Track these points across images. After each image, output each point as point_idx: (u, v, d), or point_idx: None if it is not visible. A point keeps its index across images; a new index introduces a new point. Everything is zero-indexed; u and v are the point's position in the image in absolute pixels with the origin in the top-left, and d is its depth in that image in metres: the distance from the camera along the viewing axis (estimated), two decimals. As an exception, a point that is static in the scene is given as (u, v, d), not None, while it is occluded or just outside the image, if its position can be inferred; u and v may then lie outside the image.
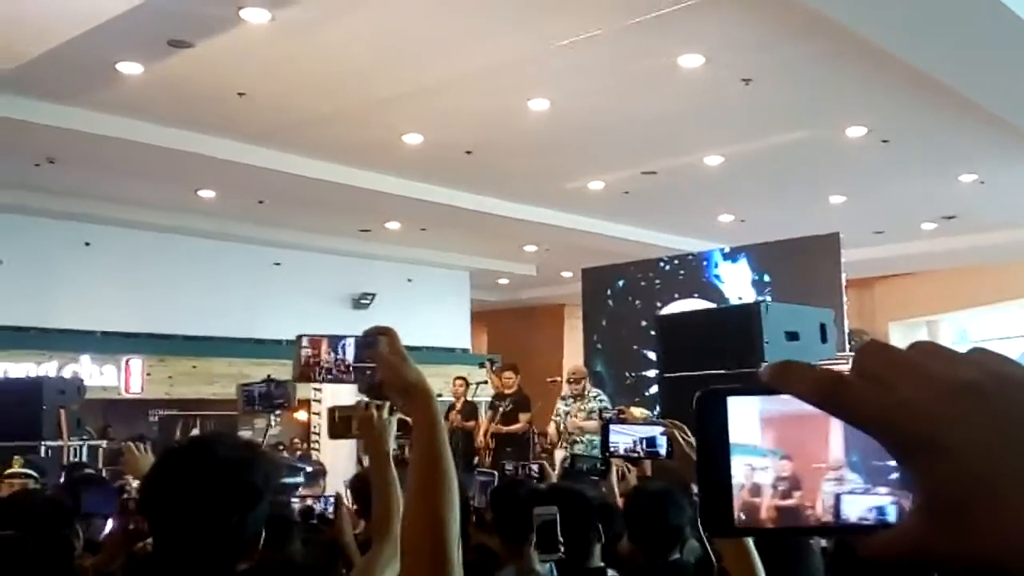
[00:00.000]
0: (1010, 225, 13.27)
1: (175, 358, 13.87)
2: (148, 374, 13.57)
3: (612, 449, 2.24)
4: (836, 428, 0.52)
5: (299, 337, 1.62)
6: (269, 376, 6.78)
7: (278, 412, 7.19)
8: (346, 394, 6.32)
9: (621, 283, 12.11)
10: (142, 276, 13.44)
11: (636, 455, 2.19)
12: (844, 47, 7.14)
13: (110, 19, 6.53)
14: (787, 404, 0.51)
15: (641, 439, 2.18)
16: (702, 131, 9.54)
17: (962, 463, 0.44)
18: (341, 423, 2.20)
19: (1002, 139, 9.33)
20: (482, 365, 11.81)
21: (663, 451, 2.16)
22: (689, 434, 2.21)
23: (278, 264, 14.92)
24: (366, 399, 1.83)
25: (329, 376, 1.62)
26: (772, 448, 0.54)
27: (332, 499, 3.01)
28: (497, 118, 9.09)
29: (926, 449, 0.45)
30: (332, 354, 1.60)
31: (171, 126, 9.15)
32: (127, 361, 13.37)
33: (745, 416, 0.54)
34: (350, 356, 1.61)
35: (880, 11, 6.31)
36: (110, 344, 13.31)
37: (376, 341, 1.54)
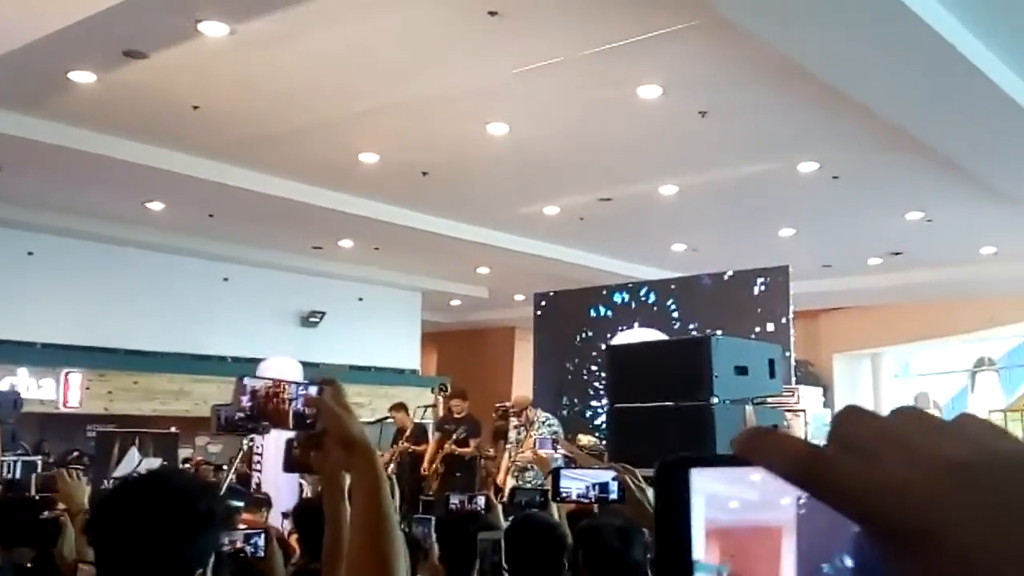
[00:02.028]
0: (954, 263, 13.57)
1: (116, 373, 13.58)
2: (87, 388, 13.26)
3: (564, 495, 2.22)
4: (788, 546, 0.47)
5: (240, 378, 1.57)
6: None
7: (251, 436, 7.04)
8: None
9: (572, 309, 12.12)
10: (85, 288, 13.16)
11: (588, 500, 2.17)
12: (798, 84, 7.26)
13: (64, 27, 6.40)
14: (735, 514, 0.47)
15: (593, 484, 2.16)
16: (658, 161, 9.62)
17: (957, 554, 0.40)
18: (298, 455, 2.15)
19: (948, 178, 9.54)
20: (434, 390, 11.75)
21: (615, 496, 2.14)
22: (640, 478, 2.19)
23: (226, 279, 14.71)
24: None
25: (268, 423, 1.57)
26: (716, 564, 0.48)
27: (262, 536, 2.93)
28: (455, 140, 9.08)
29: (917, 537, 0.40)
30: (275, 399, 1.55)
31: (122, 137, 8.99)
32: (66, 375, 13.06)
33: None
34: (292, 403, 1.57)
35: (832, 51, 6.43)
36: (49, 357, 12.98)
37: (321, 391, 1.50)
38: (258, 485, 8.65)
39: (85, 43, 6.82)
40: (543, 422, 8.90)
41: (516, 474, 8.71)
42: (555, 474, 2.32)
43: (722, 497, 0.48)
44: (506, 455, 9.10)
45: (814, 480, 0.42)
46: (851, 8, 5.75)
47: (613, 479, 2.17)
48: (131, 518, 1.64)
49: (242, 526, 5.31)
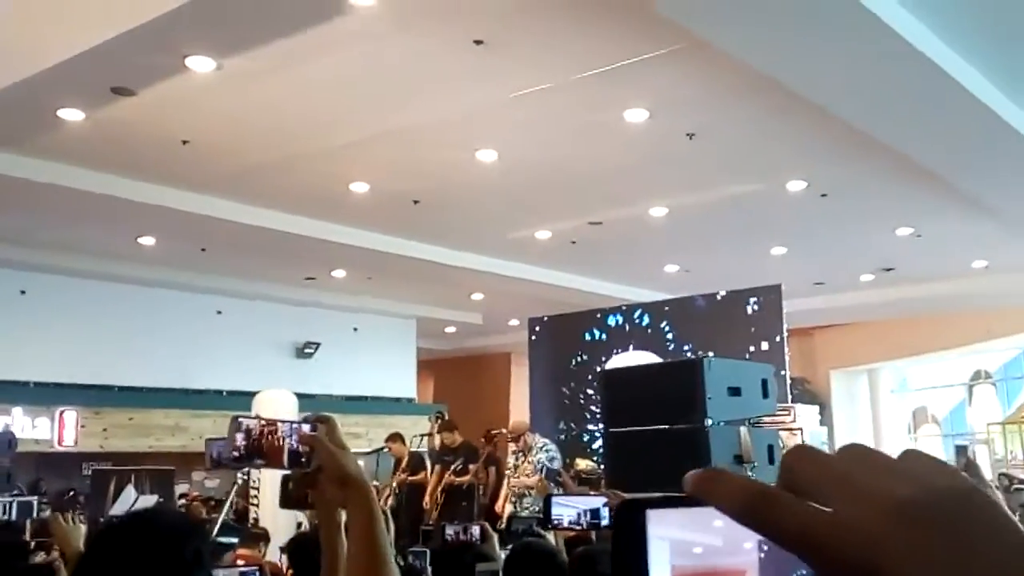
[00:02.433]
0: (945, 277, 13.60)
1: (111, 410, 13.52)
2: (82, 426, 13.20)
3: (556, 522, 2.21)
4: None
5: (234, 418, 1.57)
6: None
7: (246, 471, 6.97)
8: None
9: (566, 333, 12.11)
10: (78, 325, 13.13)
11: (580, 527, 2.17)
12: (784, 104, 7.31)
13: (52, 65, 6.43)
14: (700, 559, 0.47)
15: (585, 511, 2.15)
16: (647, 183, 9.66)
17: None
18: (294, 492, 2.15)
19: (937, 194, 9.58)
20: (431, 419, 11.72)
21: (606, 522, 2.14)
22: None
23: (220, 312, 14.69)
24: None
25: (263, 462, 1.57)
26: None
27: (257, 573, 2.91)
28: (445, 168, 9.11)
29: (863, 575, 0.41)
30: (270, 438, 1.55)
31: (112, 173, 9.02)
32: (61, 413, 13.00)
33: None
34: (287, 441, 1.57)
35: (819, 72, 6.49)
36: (43, 395, 12.93)
37: (315, 428, 1.50)
38: (256, 520, 8.59)
39: (73, 81, 6.85)
40: (540, 447, 8.89)
41: (514, 500, 8.68)
42: (547, 501, 2.31)
43: (687, 543, 0.48)
44: (505, 482, 9.06)
45: (763, 519, 0.43)
46: (833, 27, 5.80)
47: (604, 505, 2.17)
48: (118, 565, 1.62)
49: (240, 562, 5.27)
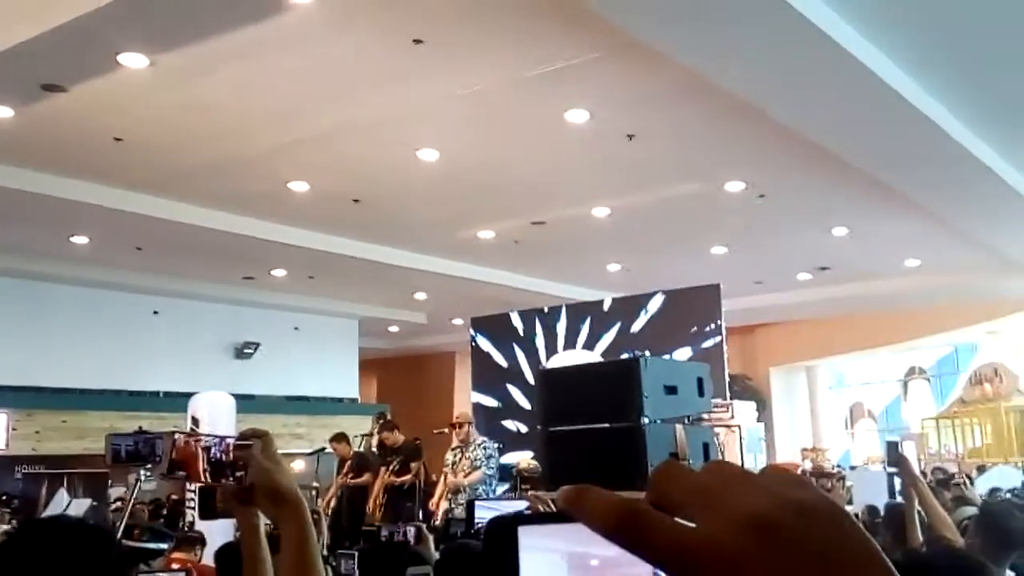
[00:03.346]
0: (879, 275, 13.90)
1: (43, 412, 13.19)
2: (14, 429, 12.86)
3: (479, 525, 2.22)
4: None
5: (169, 433, 1.55)
6: (140, 428, 6.41)
7: (148, 467, 6.83)
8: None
9: (508, 333, 12.13)
10: (10, 326, 12.79)
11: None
12: (723, 106, 7.40)
13: (-23, 60, 6.26)
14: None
15: (508, 514, 2.16)
16: (589, 184, 9.72)
17: None
18: (210, 503, 2.11)
19: (871, 195, 9.78)
20: (375, 419, 11.64)
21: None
22: (554, 508, 2.20)
23: (156, 313, 14.42)
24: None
25: (197, 477, 1.54)
26: None
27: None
28: (386, 167, 9.06)
29: None
30: (205, 453, 1.53)
31: (43, 171, 8.81)
32: (-8, 415, 12.65)
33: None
34: (207, 453, 1.55)
35: (753, 74, 6.58)
36: (-27, 397, 12.58)
37: (250, 444, 1.48)
38: (191, 523, 8.45)
39: (2, 77, 6.69)
40: (479, 444, 8.86)
41: (450, 496, 8.64)
42: (470, 505, 2.31)
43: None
44: (442, 479, 9.00)
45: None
46: (765, 29, 5.88)
47: (526, 509, 2.18)
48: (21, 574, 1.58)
49: (174, 565, 5.18)
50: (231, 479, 1.51)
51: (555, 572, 0.50)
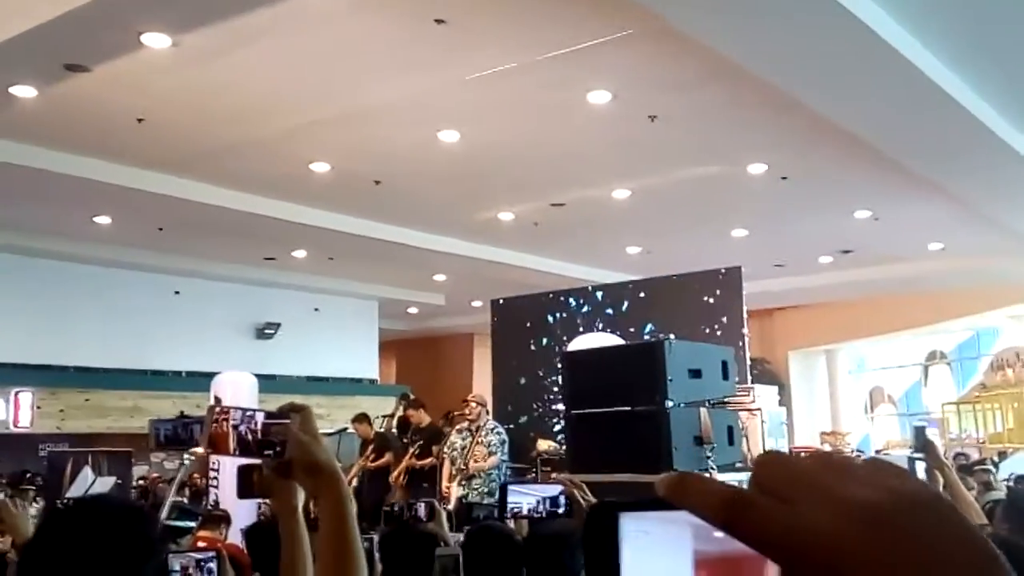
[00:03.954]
0: (902, 259, 13.79)
1: (67, 391, 13.34)
2: (38, 407, 13.01)
3: (514, 510, 2.22)
4: (773, 572, 0.48)
5: (211, 407, 1.55)
6: (182, 413, 6.50)
7: (191, 452, 6.89)
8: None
9: (527, 315, 12.11)
10: (34, 305, 12.91)
11: (539, 515, 2.17)
12: (746, 88, 7.34)
13: (4, 41, 6.27)
14: (723, 544, 0.47)
15: (544, 498, 2.16)
16: (610, 165, 9.67)
17: None
18: (249, 481, 2.12)
19: (894, 178, 9.69)
20: (399, 400, 11.67)
21: (563, 509, 2.15)
22: (588, 492, 2.20)
23: (178, 293, 14.51)
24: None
25: (237, 451, 1.54)
26: None
27: (215, 559, 2.88)
28: (407, 148, 9.04)
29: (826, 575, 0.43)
30: (242, 426, 1.53)
31: (66, 151, 8.84)
32: (16, 394, 12.80)
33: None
34: (236, 430, 1.54)
35: (780, 56, 6.51)
36: (-1, 376, 12.72)
37: (288, 417, 1.48)
38: (216, 502, 8.52)
39: (25, 57, 6.69)
40: (492, 429, 8.79)
41: (463, 483, 8.59)
42: (503, 489, 2.31)
43: (707, 528, 0.49)
44: (447, 462, 8.92)
45: (735, 523, 0.45)
46: (795, 12, 5.82)
47: (561, 493, 2.18)
48: (64, 553, 1.58)
49: (201, 544, 5.22)
50: (268, 454, 1.51)
51: (657, 559, 0.50)
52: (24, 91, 7.39)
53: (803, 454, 0.48)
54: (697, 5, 5.76)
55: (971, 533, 0.44)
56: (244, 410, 1.54)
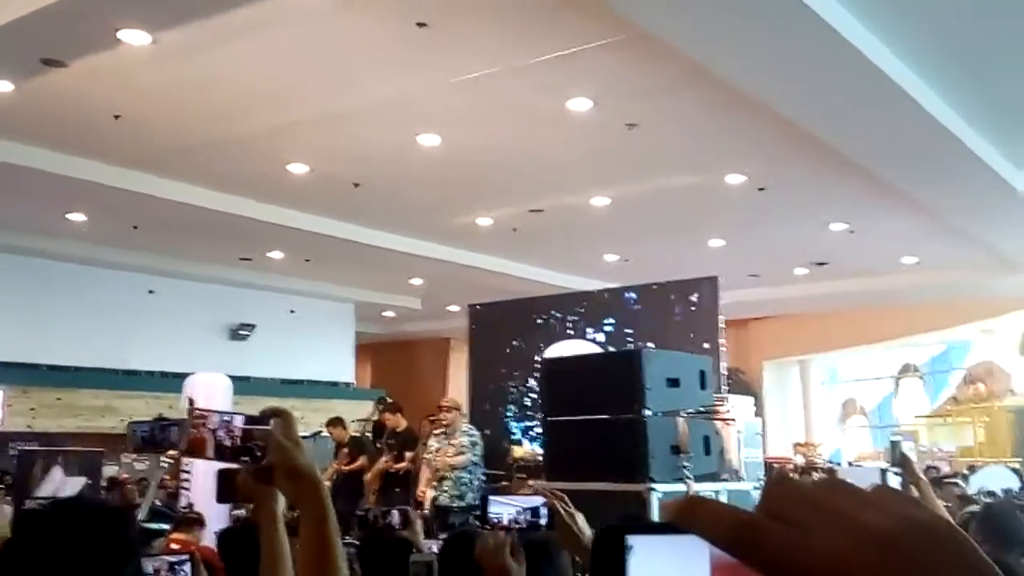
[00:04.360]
0: (877, 272, 13.91)
1: (39, 389, 13.17)
2: (9, 405, 12.84)
3: (495, 520, 2.20)
4: None
5: (190, 409, 1.53)
6: (160, 415, 6.43)
7: (169, 454, 6.81)
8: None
9: (506, 321, 12.10)
10: (5, 302, 12.74)
11: (518, 526, 2.16)
12: (725, 98, 7.37)
13: (-22, 34, 6.19)
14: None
15: (524, 509, 2.15)
16: (589, 173, 9.69)
17: None
18: (229, 486, 2.09)
19: (871, 191, 9.77)
20: (376, 404, 11.61)
21: (544, 521, 2.14)
22: (570, 504, 2.18)
23: (152, 292, 14.37)
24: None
25: (214, 456, 1.52)
26: None
27: (188, 563, 2.84)
28: (386, 151, 9.02)
29: None
30: (220, 431, 1.50)
31: (42, 147, 8.74)
32: (-14, 391, 12.63)
33: (688, 558, 0.49)
34: (214, 433, 1.52)
35: (758, 66, 6.55)
36: (-33, 373, 12.55)
37: (268, 423, 1.46)
38: (190, 504, 8.43)
39: (1, 51, 6.61)
40: (465, 431, 8.81)
41: (435, 484, 8.58)
42: (484, 499, 2.29)
43: (691, 566, 0.49)
44: (424, 466, 8.92)
45: (747, 548, 0.45)
46: (771, 22, 5.85)
47: (543, 505, 2.16)
48: (43, 555, 1.56)
49: (175, 546, 5.15)
50: (248, 459, 1.49)
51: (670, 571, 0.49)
52: (0, 85, 7.30)
53: (814, 479, 0.47)
54: (676, 14, 5.78)
55: (984, 563, 0.44)
56: (223, 414, 1.52)
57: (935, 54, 6.68)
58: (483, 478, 8.93)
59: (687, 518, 0.47)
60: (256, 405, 1.59)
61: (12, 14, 5.98)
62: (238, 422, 1.49)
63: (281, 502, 1.96)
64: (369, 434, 11.12)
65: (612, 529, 0.50)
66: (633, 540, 0.50)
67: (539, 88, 7.43)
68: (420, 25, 6.34)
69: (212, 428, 1.49)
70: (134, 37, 6.43)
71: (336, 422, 10.65)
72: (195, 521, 5.99)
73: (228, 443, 1.49)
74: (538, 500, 2.19)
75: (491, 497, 2.26)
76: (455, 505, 8.33)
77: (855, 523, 0.44)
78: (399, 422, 10.12)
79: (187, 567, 2.89)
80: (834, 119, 7.58)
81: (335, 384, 17.12)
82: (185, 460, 8.88)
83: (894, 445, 4.21)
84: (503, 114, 8.07)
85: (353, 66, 7.05)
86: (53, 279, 13.18)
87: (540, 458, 8.28)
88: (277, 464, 1.43)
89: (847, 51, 6.07)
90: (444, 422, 8.79)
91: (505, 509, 2.19)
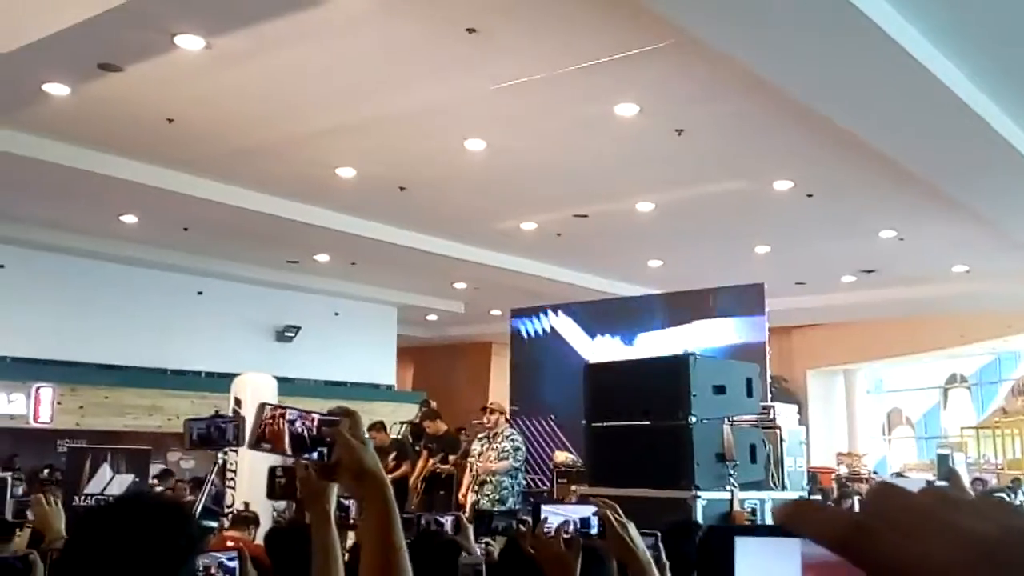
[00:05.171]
0: (926, 280, 13.69)
1: (87, 387, 13.42)
2: (58, 403, 13.10)
3: (546, 529, 2.21)
4: None
5: (261, 405, 1.55)
6: (217, 412, 6.53)
7: (226, 451, 6.88)
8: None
9: (549, 326, 12.10)
10: (57, 301, 13.01)
11: (568, 535, 2.16)
12: (773, 104, 7.32)
13: (40, 39, 6.34)
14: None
15: (575, 519, 2.15)
16: (634, 178, 9.66)
17: None
18: (282, 484, 2.12)
19: (921, 198, 9.64)
20: (420, 406, 11.68)
21: (595, 531, 2.14)
22: (621, 513, 2.19)
23: (200, 293, 14.59)
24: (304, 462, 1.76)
25: (290, 450, 1.54)
26: None
27: (236, 559, 2.87)
28: (433, 156, 9.07)
29: None
30: (298, 423, 1.53)
31: (96, 149, 8.92)
32: (37, 389, 12.89)
33: (786, 559, 0.52)
34: (291, 426, 1.54)
35: (809, 72, 6.50)
36: (20, 371, 12.82)
37: (337, 421, 1.48)
38: (246, 504, 8.53)
39: (61, 56, 6.76)
40: (508, 436, 8.77)
41: (476, 488, 8.57)
42: (536, 508, 2.30)
43: (796, 568, 0.51)
44: (467, 471, 8.90)
45: (855, 550, 0.47)
46: (824, 28, 5.81)
47: (594, 514, 2.17)
48: (107, 551, 1.59)
49: (229, 544, 5.22)
50: (315, 455, 1.51)
51: (767, 566, 0.52)
52: (57, 89, 7.46)
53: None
54: (726, 19, 5.76)
55: None
56: (299, 410, 1.54)
57: (991, 60, 6.58)
58: (524, 483, 8.92)
59: (795, 521, 0.48)
60: (300, 406, 1.61)
61: (71, 20, 6.11)
62: (315, 417, 1.52)
63: (333, 503, 1.99)
64: (409, 438, 11.19)
65: (720, 529, 0.53)
66: (740, 541, 0.52)
67: (586, 93, 7.44)
68: (469, 31, 6.38)
69: (290, 420, 1.52)
70: (190, 43, 6.54)
71: (379, 426, 10.72)
72: (251, 519, 6.07)
73: (305, 434, 1.51)
74: (589, 509, 2.19)
75: (543, 505, 2.27)
76: (496, 509, 8.33)
77: (958, 530, 0.46)
78: (439, 428, 10.17)
79: (235, 563, 2.92)
80: (886, 126, 7.50)
81: (376, 386, 17.23)
82: (231, 461, 9.00)
83: (941, 459, 4.14)
84: (549, 119, 8.08)
85: (402, 71, 7.11)
86: (103, 279, 13.43)
87: (580, 464, 8.27)
88: (344, 462, 1.45)
89: (900, 56, 6.00)
90: (487, 424, 8.78)
91: (555, 518, 2.20)
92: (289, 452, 1.52)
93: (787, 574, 0.52)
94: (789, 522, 0.48)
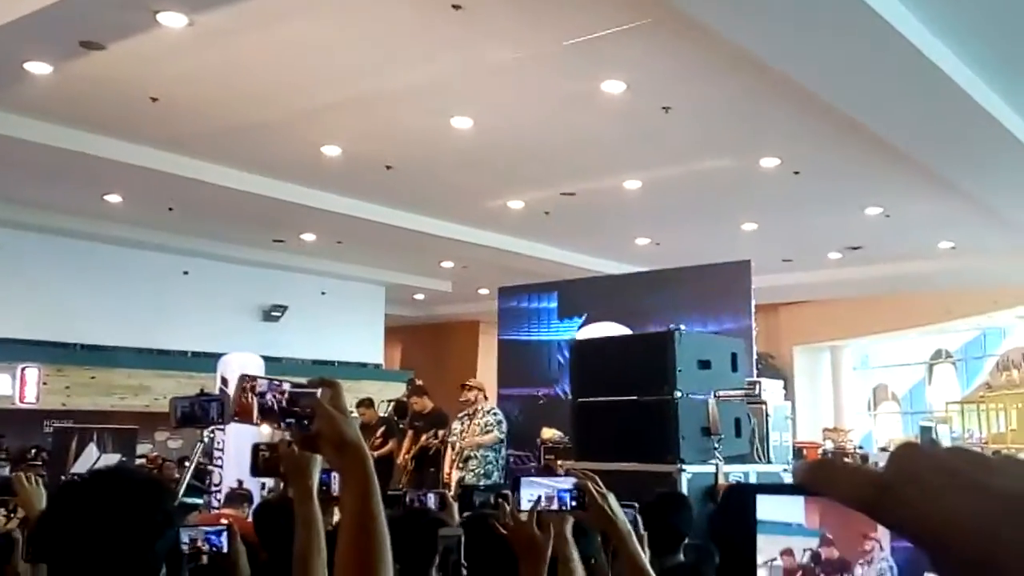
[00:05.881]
0: (912, 257, 13.75)
1: (73, 368, 13.38)
2: (44, 383, 13.06)
3: (528, 501, 2.23)
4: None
5: (241, 376, 1.53)
6: (202, 390, 6.49)
7: (211, 430, 6.87)
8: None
9: (537, 303, 12.12)
10: (41, 281, 12.94)
11: (544, 510, 2.18)
12: (761, 81, 7.32)
13: (20, 17, 6.28)
14: None
15: (555, 490, 2.16)
16: (622, 156, 9.65)
17: None
18: (265, 460, 2.13)
19: (907, 175, 9.67)
20: (408, 384, 11.71)
21: (575, 503, 2.16)
22: (601, 485, 2.20)
23: (186, 273, 14.53)
24: (288, 437, 1.75)
25: (259, 420, 1.53)
26: (814, 528, 0.53)
27: (224, 534, 2.88)
28: (419, 134, 9.04)
29: (977, 568, 0.45)
30: (268, 394, 1.51)
31: (79, 128, 8.85)
32: (23, 369, 12.84)
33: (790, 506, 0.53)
34: (260, 398, 1.53)
35: (796, 49, 6.49)
36: (5, 351, 12.76)
37: (313, 392, 1.47)
38: (236, 481, 8.55)
39: (41, 33, 6.70)
40: (489, 411, 8.88)
41: (460, 465, 8.66)
42: (516, 481, 2.31)
43: (817, 527, 0.51)
44: (449, 448, 9.02)
45: (881, 510, 0.47)
46: (811, 4, 5.80)
47: (575, 486, 2.18)
48: (82, 524, 1.59)
49: (223, 521, 5.24)
50: (293, 422, 1.49)
51: (790, 542, 0.53)
52: (39, 67, 7.39)
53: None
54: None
55: None
56: (271, 379, 1.53)
57: (975, 34, 6.58)
58: (508, 457, 9.00)
59: (819, 480, 0.48)
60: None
61: (52, -3, 6.05)
62: (285, 388, 1.51)
63: (315, 478, 2.00)
64: (394, 416, 11.21)
65: (742, 487, 0.53)
66: (762, 499, 0.53)
67: (573, 71, 7.41)
68: (455, 7, 6.34)
69: (260, 392, 1.51)
70: (172, 20, 6.48)
71: (367, 403, 10.74)
72: (244, 497, 6.10)
73: (274, 406, 1.50)
74: (569, 481, 2.20)
75: (522, 478, 2.28)
76: (481, 484, 8.40)
77: (982, 487, 0.46)
78: (425, 405, 10.21)
79: (222, 538, 2.93)
80: (871, 101, 7.50)
81: (364, 365, 17.23)
82: (218, 439, 9.00)
83: (924, 431, 4.18)
84: (536, 97, 8.06)
85: (387, 49, 7.07)
86: (89, 259, 13.37)
87: (568, 439, 8.32)
88: (324, 433, 1.44)
89: (885, 31, 6.00)
90: (468, 401, 8.89)
91: (536, 490, 2.21)
92: (258, 422, 1.50)
93: (811, 534, 0.53)
94: (811, 482, 0.48)
